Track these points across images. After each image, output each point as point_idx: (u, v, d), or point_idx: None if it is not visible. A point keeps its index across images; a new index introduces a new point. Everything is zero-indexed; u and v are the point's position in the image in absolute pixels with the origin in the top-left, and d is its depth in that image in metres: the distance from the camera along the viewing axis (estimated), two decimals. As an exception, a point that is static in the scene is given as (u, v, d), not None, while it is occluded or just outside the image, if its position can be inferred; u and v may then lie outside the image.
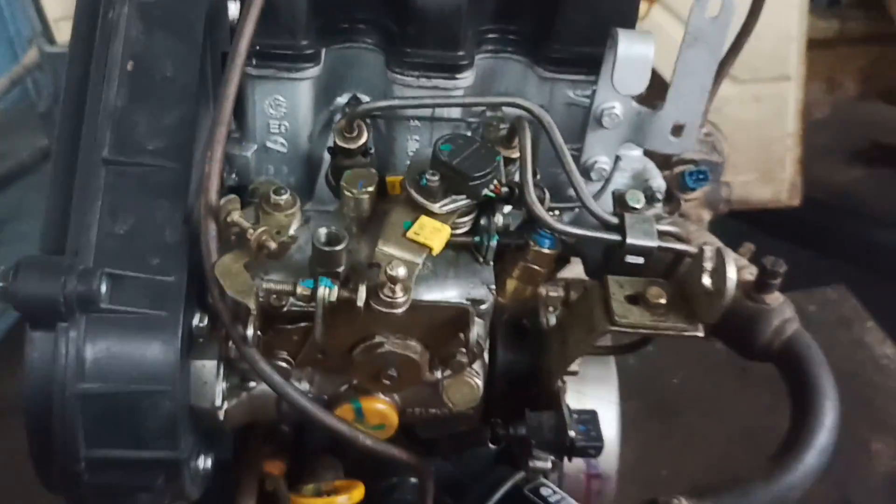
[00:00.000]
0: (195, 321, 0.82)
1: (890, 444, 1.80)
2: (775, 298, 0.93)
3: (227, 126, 0.83)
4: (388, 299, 0.76)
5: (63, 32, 2.23)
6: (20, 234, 2.29)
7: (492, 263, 0.88)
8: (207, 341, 0.84)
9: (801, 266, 2.98)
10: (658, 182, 1.07)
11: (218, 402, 0.85)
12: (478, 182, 0.83)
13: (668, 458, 1.78)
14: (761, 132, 2.67)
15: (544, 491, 1.02)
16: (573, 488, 1.19)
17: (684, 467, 1.79)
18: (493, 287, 0.86)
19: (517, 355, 0.92)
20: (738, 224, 3.18)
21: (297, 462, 1.03)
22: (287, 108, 0.98)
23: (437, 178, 0.83)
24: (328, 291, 0.76)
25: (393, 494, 1.04)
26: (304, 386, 0.89)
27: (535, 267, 0.90)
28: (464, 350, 0.83)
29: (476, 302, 0.84)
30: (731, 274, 0.78)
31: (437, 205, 0.83)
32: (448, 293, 0.84)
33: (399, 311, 0.76)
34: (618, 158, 1.04)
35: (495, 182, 0.84)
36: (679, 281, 0.85)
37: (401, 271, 0.75)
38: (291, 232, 0.84)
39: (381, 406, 0.88)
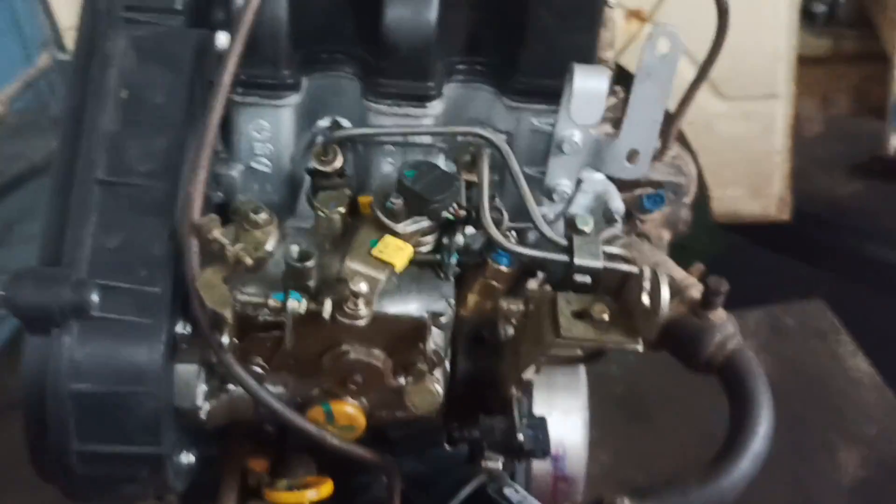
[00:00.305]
0: (178, 328, 0.90)
1: (856, 454, 1.86)
2: (719, 316, 1.00)
3: (209, 150, 0.91)
4: (352, 312, 0.84)
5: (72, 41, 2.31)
6: (31, 235, 2.37)
7: (452, 279, 0.95)
8: (190, 347, 0.92)
9: (790, 278, 3.06)
10: (617, 204, 1.14)
11: (199, 402, 0.93)
12: (437, 205, 0.90)
13: (643, 461, 1.85)
14: (750, 148, 2.74)
15: (507, 491, 1.09)
16: (541, 490, 1.27)
17: (660, 470, 1.86)
18: (453, 301, 0.93)
19: (476, 364, 0.99)
20: (734, 237, 3.25)
21: (279, 459, 1.11)
22: (270, 131, 1.06)
23: (400, 200, 0.91)
24: (297, 304, 0.84)
25: (366, 491, 1.12)
26: (280, 389, 0.97)
27: (494, 283, 0.98)
28: (423, 359, 0.90)
29: (436, 315, 0.92)
30: (665, 294, 0.85)
31: (401, 225, 0.91)
32: (410, 306, 0.92)
33: (361, 323, 0.84)
34: (580, 182, 1.12)
35: (454, 205, 0.92)
36: (623, 298, 0.93)
37: (362, 287, 0.83)
38: (268, 248, 0.92)
39: (350, 409, 0.96)
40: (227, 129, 1.06)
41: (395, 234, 0.91)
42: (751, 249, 3.26)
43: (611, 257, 0.94)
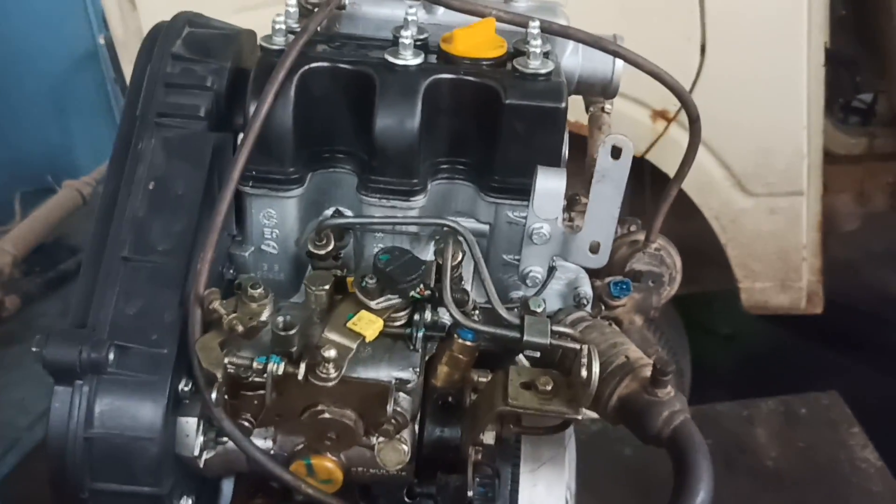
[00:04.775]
0: (182, 385, 1.05)
1: (861, 541, 1.89)
2: (667, 392, 1.10)
3: (216, 234, 1.07)
4: (323, 375, 0.98)
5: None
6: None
7: (420, 351, 1.08)
8: (192, 402, 1.07)
9: (818, 368, 3.09)
10: (585, 289, 1.27)
11: (196, 452, 1.07)
12: (405, 286, 1.05)
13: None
14: (777, 243, 2.83)
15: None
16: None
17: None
18: (418, 369, 1.06)
19: (443, 427, 1.12)
20: (767, 326, 3.30)
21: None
22: (277, 219, 1.22)
23: (374, 281, 1.05)
24: (275, 366, 0.99)
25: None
26: (268, 443, 1.11)
27: (460, 356, 1.11)
28: (391, 420, 1.03)
29: (402, 381, 1.05)
30: (595, 369, 0.97)
31: (373, 302, 1.05)
32: (381, 372, 1.05)
33: (330, 384, 0.98)
34: (553, 269, 1.25)
35: (421, 286, 1.06)
36: (570, 372, 1.05)
37: (331, 353, 0.97)
38: (263, 318, 1.07)
39: (329, 464, 1.09)
40: (241, 216, 1.23)
41: (369, 309, 1.05)
42: (783, 339, 3.30)
43: (559, 336, 1.07)
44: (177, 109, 1.17)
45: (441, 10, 1.33)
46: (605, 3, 2.50)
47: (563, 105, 1.17)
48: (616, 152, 1.13)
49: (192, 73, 1.19)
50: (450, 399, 1.11)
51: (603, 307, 1.32)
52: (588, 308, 1.27)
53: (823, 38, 2.56)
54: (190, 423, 1.06)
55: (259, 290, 1.08)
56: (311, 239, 1.15)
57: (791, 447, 2.06)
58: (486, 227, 1.26)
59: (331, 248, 1.16)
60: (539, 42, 1.20)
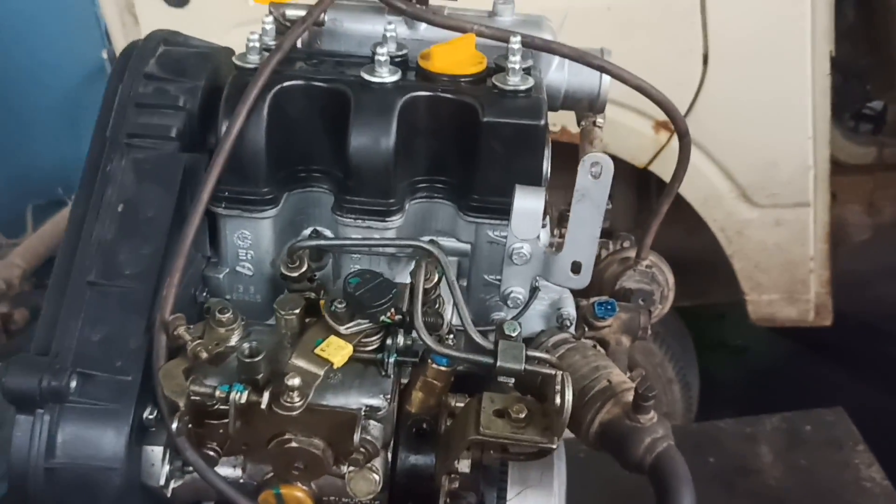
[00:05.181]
0: (147, 413, 1.02)
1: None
2: (649, 418, 1.07)
3: (183, 258, 1.05)
4: (287, 404, 0.95)
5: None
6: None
7: (392, 376, 1.05)
8: (158, 430, 1.04)
9: (825, 382, 3.03)
10: (568, 310, 1.23)
11: (162, 482, 1.04)
12: (374, 310, 1.02)
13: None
14: (784, 254, 2.78)
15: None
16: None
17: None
18: (390, 396, 1.03)
19: (417, 454, 1.08)
20: (781, 339, 3.24)
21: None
22: (252, 240, 1.19)
23: (343, 305, 1.03)
24: (238, 395, 0.96)
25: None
26: (237, 472, 1.08)
27: (434, 381, 1.07)
28: (360, 448, 1.00)
29: (373, 408, 1.02)
30: (568, 396, 0.94)
31: (343, 327, 1.02)
32: (350, 399, 1.02)
33: (294, 413, 0.95)
34: (536, 289, 1.21)
35: (391, 310, 1.03)
36: (545, 399, 1.01)
37: (295, 381, 0.94)
38: (232, 343, 1.05)
39: (299, 493, 1.06)
40: (215, 237, 1.20)
41: (338, 334, 1.02)
42: (793, 351, 3.24)
43: (535, 361, 1.03)
44: (148, 130, 1.14)
45: (423, 25, 1.31)
46: (605, 15, 2.48)
47: (543, 122, 1.14)
48: (596, 171, 1.09)
49: (164, 92, 1.16)
50: (424, 426, 1.08)
51: (587, 328, 1.29)
52: (572, 329, 1.24)
53: (829, 46, 2.51)
54: (156, 452, 1.03)
55: (227, 315, 1.05)
56: (283, 260, 1.13)
57: (794, 466, 2.01)
58: (467, 247, 1.23)
59: (304, 269, 1.13)
60: (519, 58, 1.17)
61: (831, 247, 2.83)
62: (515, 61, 1.17)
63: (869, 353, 2.97)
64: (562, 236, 1.43)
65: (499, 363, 1.01)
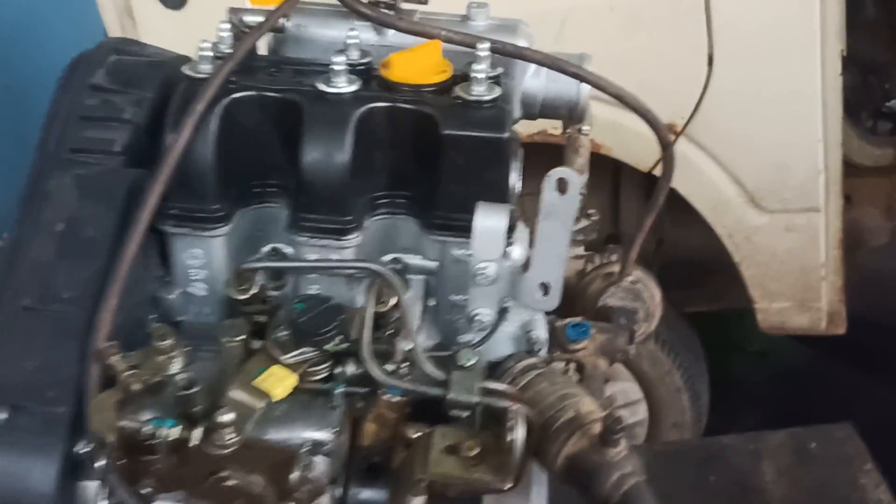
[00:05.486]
0: (80, 447, 0.97)
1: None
2: (618, 452, 1.00)
3: (122, 280, 0.99)
4: (219, 442, 0.89)
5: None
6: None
7: (341, 408, 0.99)
8: (92, 465, 0.98)
9: (841, 390, 2.93)
10: (538, 333, 1.16)
11: (99, 519, 0.98)
12: (319, 338, 0.95)
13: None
14: (794, 261, 2.68)
15: None
16: None
17: None
18: (337, 429, 0.97)
19: (371, 490, 1.02)
20: (796, 346, 3.15)
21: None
22: (204, 258, 1.13)
23: (286, 333, 0.96)
24: (167, 431, 0.90)
25: None
26: (180, 508, 1.02)
27: (387, 413, 1.01)
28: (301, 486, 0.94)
29: (318, 443, 0.96)
30: (520, 435, 0.87)
31: (285, 357, 0.96)
32: (293, 434, 0.96)
33: (227, 451, 0.88)
34: (505, 310, 1.15)
35: (338, 338, 0.96)
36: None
37: (228, 417, 0.88)
38: (171, 372, 0.99)
39: (244, 531, 0.99)
40: (167, 254, 1.15)
41: (281, 364, 0.96)
42: (808, 358, 3.15)
43: (491, 393, 0.96)
44: (92, 144, 1.09)
45: (392, 31, 1.24)
46: (608, 15, 2.40)
47: (506, 135, 1.07)
48: (562, 186, 1.02)
49: (110, 104, 1.11)
50: (376, 460, 1.01)
51: (560, 350, 1.22)
52: (543, 352, 1.16)
53: (840, 45, 2.41)
54: (90, 488, 0.97)
55: (167, 342, 0.99)
56: (230, 282, 1.07)
57: (798, 485, 1.93)
58: (435, 265, 1.16)
59: (255, 291, 1.07)
60: (485, 66, 1.11)
61: (845, 253, 2.73)
62: (480, 69, 1.10)
63: (884, 361, 2.86)
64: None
65: (450, 395, 0.94)
